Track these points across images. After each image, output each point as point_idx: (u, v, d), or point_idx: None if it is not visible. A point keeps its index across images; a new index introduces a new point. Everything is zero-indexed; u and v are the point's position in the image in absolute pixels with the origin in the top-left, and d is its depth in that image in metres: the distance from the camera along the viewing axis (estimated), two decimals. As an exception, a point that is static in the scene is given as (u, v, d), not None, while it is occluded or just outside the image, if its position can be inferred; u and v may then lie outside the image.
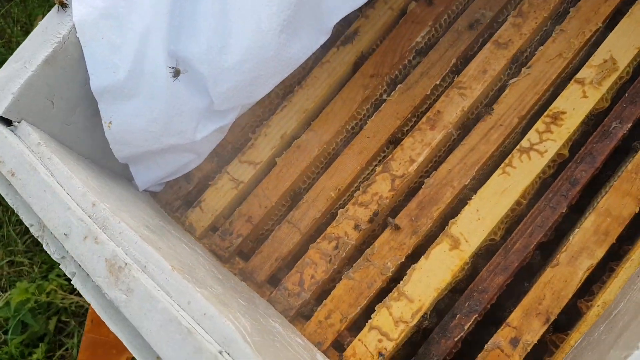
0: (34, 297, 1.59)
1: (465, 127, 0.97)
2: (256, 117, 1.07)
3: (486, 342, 0.80)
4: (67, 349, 1.56)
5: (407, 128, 0.99)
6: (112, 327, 0.60)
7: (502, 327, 0.80)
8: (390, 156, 0.95)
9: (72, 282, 0.63)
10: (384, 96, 1.01)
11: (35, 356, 1.54)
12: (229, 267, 0.97)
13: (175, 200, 1.04)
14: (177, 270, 0.62)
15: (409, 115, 0.97)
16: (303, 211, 0.96)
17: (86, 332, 1.25)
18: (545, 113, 0.90)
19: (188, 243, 0.90)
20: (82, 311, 1.59)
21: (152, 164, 0.96)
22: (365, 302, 0.87)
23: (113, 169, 0.98)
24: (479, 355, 0.79)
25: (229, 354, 0.54)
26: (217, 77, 0.85)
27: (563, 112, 0.89)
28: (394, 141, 0.98)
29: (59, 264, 0.65)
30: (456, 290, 0.89)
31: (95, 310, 0.60)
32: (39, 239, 0.67)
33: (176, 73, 0.83)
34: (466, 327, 0.82)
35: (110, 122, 0.83)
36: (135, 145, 0.87)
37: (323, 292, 0.92)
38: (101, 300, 0.62)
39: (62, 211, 0.65)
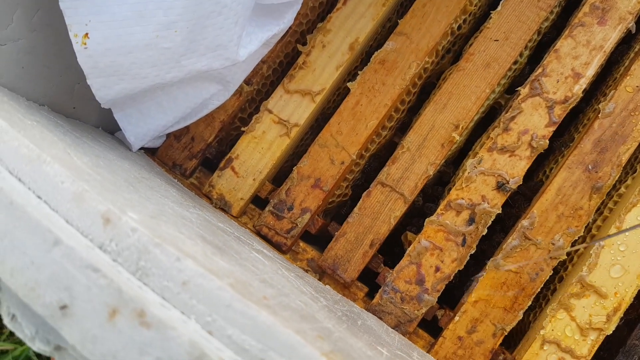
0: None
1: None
2: (302, 17, 0.67)
3: None
4: None
5: (557, 21, 0.64)
6: None
7: None
8: (539, 70, 0.60)
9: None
10: (510, -27, 0.64)
11: None
12: (290, 258, 0.62)
13: (188, 159, 0.65)
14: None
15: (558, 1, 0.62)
16: (404, 164, 0.61)
17: None
18: None
19: (229, 229, 0.54)
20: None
21: (153, 107, 0.57)
22: (529, 302, 0.56)
23: (78, 117, 0.58)
24: None
25: None
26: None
27: None
28: (540, 45, 0.63)
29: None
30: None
31: None
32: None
33: None
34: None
35: (87, 34, 0.42)
36: (132, 76, 0.47)
37: (456, 291, 0.60)
38: None
39: (42, 250, 0.27)
